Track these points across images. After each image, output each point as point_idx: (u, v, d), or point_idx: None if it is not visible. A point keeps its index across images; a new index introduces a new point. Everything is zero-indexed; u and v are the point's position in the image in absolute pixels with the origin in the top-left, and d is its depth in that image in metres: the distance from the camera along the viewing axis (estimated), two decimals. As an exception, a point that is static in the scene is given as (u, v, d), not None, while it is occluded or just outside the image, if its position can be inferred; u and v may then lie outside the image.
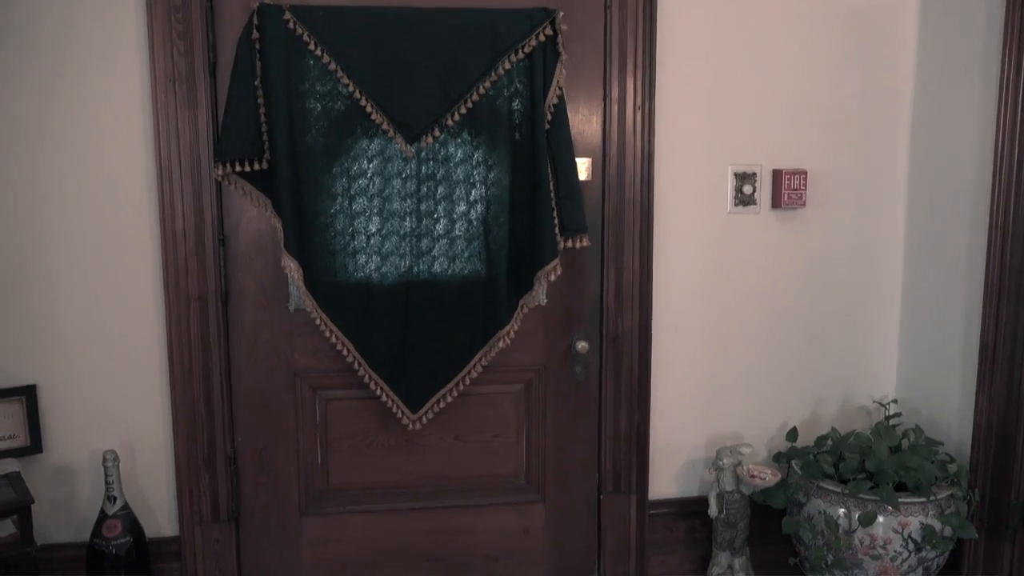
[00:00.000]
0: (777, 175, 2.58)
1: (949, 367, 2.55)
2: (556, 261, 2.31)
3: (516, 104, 2.30)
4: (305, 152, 2.23)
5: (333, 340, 2.32)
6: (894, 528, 2.30)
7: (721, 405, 2.68)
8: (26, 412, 2.29)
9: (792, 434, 2.62)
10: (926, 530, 2.29)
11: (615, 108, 2.44)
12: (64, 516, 2.39)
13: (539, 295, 2.39)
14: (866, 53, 2.60)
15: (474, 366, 2.38)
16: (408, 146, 2.27)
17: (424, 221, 2.32)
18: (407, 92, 2.23)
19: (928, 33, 2.58)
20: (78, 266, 2.32)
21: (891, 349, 2.76)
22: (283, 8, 2.18)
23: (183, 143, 2.28)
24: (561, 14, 2.28)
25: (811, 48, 2.57)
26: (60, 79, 2.24)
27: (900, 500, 2.28)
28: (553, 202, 2.31)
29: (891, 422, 2.58)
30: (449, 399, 2.40)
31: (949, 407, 2.56)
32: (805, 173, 2.58)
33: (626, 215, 2.48)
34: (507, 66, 2.26)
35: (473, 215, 2.33)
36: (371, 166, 2.30)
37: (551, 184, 2.30)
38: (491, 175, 2.32)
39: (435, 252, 2.34)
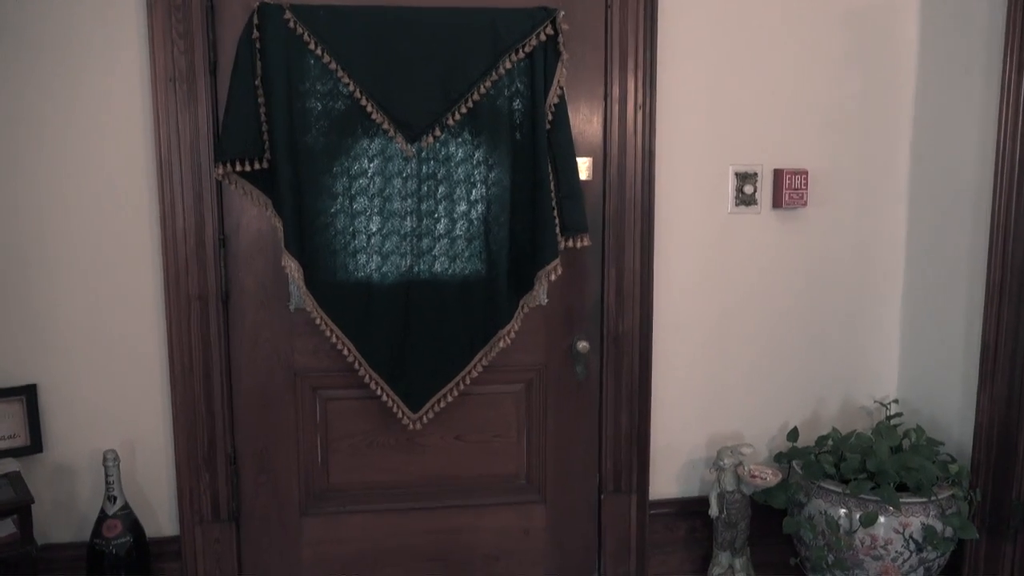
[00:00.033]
0: (778, 175, 2.58)
1: (950, 367, 2.54)
2: (557, 261, 2.31)
3: (517, 104, 2.30)
4: (305, 151, 2.23)
5: (333, 340, 2.32)
6: (895, 528, 2.30)
7: (722, 405, 2.68)
8: (26, 412, 2.29)
9: (793, 434, 2.62)
10: (927, 530, 2.29)
11: (616, 108, 2.44)
12: (64, 516, 2.39)
13: (540, 295, 2.39)
14: (867, 52, 2.60)
15: (475, 366, 2.38)
16: (409, 145, 2.26)
17: (425, 220, 2.32)
18: (408, 91, 2.23)
19: (929, 32, 2.58)
20: (78, 266, 2.32)
21: (892, 349, 2.76)
22: (283, 7, 2.18)
23: (183, 142, 2.28)
24: (562, 13, 2.27)
25: (812, 48, 2.57)
26: (60, 79, 2.24)
27: (901, 500, 2.28)
28: (554, 202, 2.30)
29: (892, 422, 2.58)
30: (450, 399, 2.40)
31: (950, 407, 2.55)
32: (806, 173, 2.57)
33: (627, 215, 2.48)
34: (508, 66, 2.26)
35: (474, 215, 2.33)
36: (371, 165, 2.30)
37: (552, 184, 2.30)
38: (492, 174, 2.32)
39: (436, 252, 2.34)
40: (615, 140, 2.45)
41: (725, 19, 2.51)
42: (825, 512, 2.37)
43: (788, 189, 2.56)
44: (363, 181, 2.30)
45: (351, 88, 2.22)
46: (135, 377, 2.38)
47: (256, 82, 2.19)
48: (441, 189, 2.32)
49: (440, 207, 2.33)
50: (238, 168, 2.20)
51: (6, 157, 2.25)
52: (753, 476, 2.47)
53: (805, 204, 2.59)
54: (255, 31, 2.17)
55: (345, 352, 2.33)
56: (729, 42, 2.52)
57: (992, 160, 2.34)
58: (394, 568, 2.57)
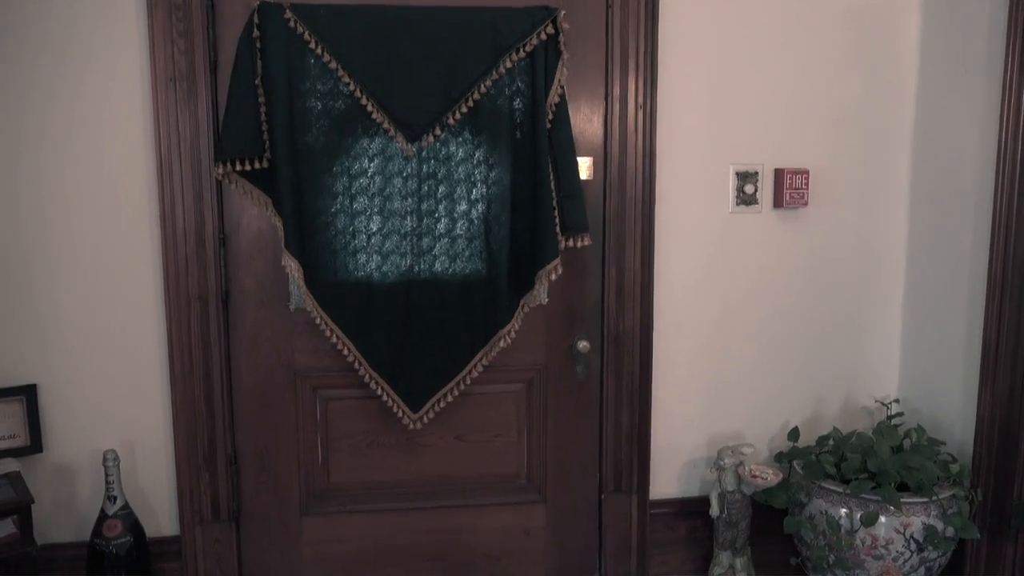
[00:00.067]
0: (779, 174, 2.57)
1: (951, 366, 2.54)
2: (557, 260, 2.30)
3: (517, 103, 2.29)
4: (306, 151, 2.23)
5: (334, 339, 2.32)
6: (896, 528, 2.29)
7: (723, 405, 2.68)
8: (26, 412, 2.29)
9: (794, 434, 2.62)
10: (928, 530, 2.29)
11: (616, 107, 2.44)
12: (64, 516, 2.39)
13: (540, 294, 2.39)
14: (868, 51, 2.59)
15: (475, 365, 2.38)
16: (409, 145, 2.26)
17: (425, 220, 2.32)
18: (408, 91, 2.23)
19: (930, 31, 2.58)
20: (78, 266, 2.31)
21: (893, 348, 2.75)
22: (284, 7, 2.18)
23: (183, 142, 2.27)
24: (563, 13, 2.27)
25: (813, 47, 2.56)
26: (61, 79, 2.24)
27: (902, 500, 2.28)
28: (554, 201, 2.30)
29: (893, 422, 2.58)
30: (450, 398, 2.40)
31: (951, 407, 2.55)
32: (807, 172, 2.57)
33: (627, 214, 2.48)
34: (508, 65, 2.25)
35: (474, 214, 2.33)
36: (372, 165, 2.29)
37: (552, 183, 2.30)
38: (492, 174, 2.31)
39: (436, 251, 2.34)
40: (616, 139, 2.45)
41: (726, 18, 2.50)
42: (826, 512, 2.37)
43: (789, 188, 2.56)
44: (363, 180, 2.29)
45: (351, 87, 2.22)
46: (135, 377, 2.37)
47: (256, 81, 2.19)
48: (441, 188, 2.32)
49: (440, 206, 2.32)
50: (238, 167, 2.20)
51: (6, 157, 2.24)
52: (754, 476, 2.47)
53: (806, 204, 2.59)
54: (255, 30, 2.17)
55: (345, 352, 2.33)
56: (730, 41, 2.52)
57: (993, 159, 2.34)
58: (395, 568, 2.56)
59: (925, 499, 2.30)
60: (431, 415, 2.40)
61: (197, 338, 2.34)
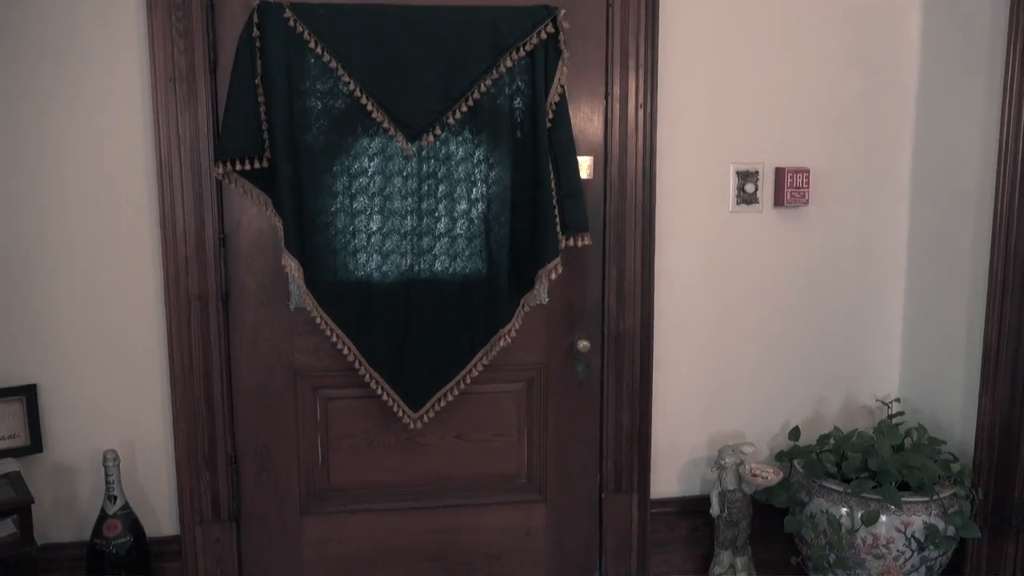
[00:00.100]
0: (779, 173, 2.57)
1: (952, 366, 2.54)
2: (557, 260, 2.30)
3: (517, 102, 2.29)
4: (305, 150, 2.23)
5: (334, 339, 2.32)
6: (897, 527, 2.29)
7: (723, 404, 2.68)
8: (26, 411, 2.29)
9: (794, 433, 2.61)
10: (929, 529, 2.29)
11: (617, 106, 2.44)
12: (64, 516, 2.39)
13: (540, 294, 2.38)
14: (869, 50, 2.59)
15: (475, 365, 2.37)
16: (409, 144, 2.26)
17: (425, 219, 2.32)
18: (408, 90, 2.23)
19: (931, 30, 2.57)
20: (78, 265, 2.31)
21: (894, 348, 2.75)
22: (283, 6, 2.18)
23: (183, 142, 2.27)
24: (563, 12, 2.27)
25: (813, 45, 2.56)
26: (61, 79, 2.24)
27: (903, 499, 2.28)
28: (554, 200, 2.30)
29: (894, 421, 2.57)
30: (450, 398, 2.39)
31: (952, 406, 2.55)
32: (808, 171, 2.57)
33: (628, 214, 2.47)
34: (508, 64, 2.25)
35: (474, 213, 2.33)
36: (372, 164, 2.29)
37: (552, 182, 2.30)
38: (492, 173, 2.31)
39: (436, 251, 2.33)
40: (616, 139, 2.44)
41: (726, 17, 2.50)
42: (827, 511, 2.36)
43: (790, 188, 2.55)
44: (363, 180, 2.29)
45: (351, 87, 2.21)
46: (135, 377, 2.37)
47: (256, 81, 2.18)
48: (441, 188, 2.31)
49: (440, 206, 2.32)
50: (238, 167, 2.20)
51: (7, 157, 2.24)
52: (754, 475, 2.47)
53: (807, 203, 2.59)
54: (255, 30, 2.16)
55: (345, 351, 2.33)
56: (730, 40, 2.51)
57: (994, 159, 2.33)
58: (395, 567, 2.56)
59: (926, 498, 2.29)
60: (431, 414, 2.40)
61: (197, 338, 2.34)
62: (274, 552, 2.51)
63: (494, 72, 2.25)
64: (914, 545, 2.30)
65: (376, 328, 2.33)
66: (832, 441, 2.55)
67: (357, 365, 2.34)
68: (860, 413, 2.75)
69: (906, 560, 2.32)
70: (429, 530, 2.56)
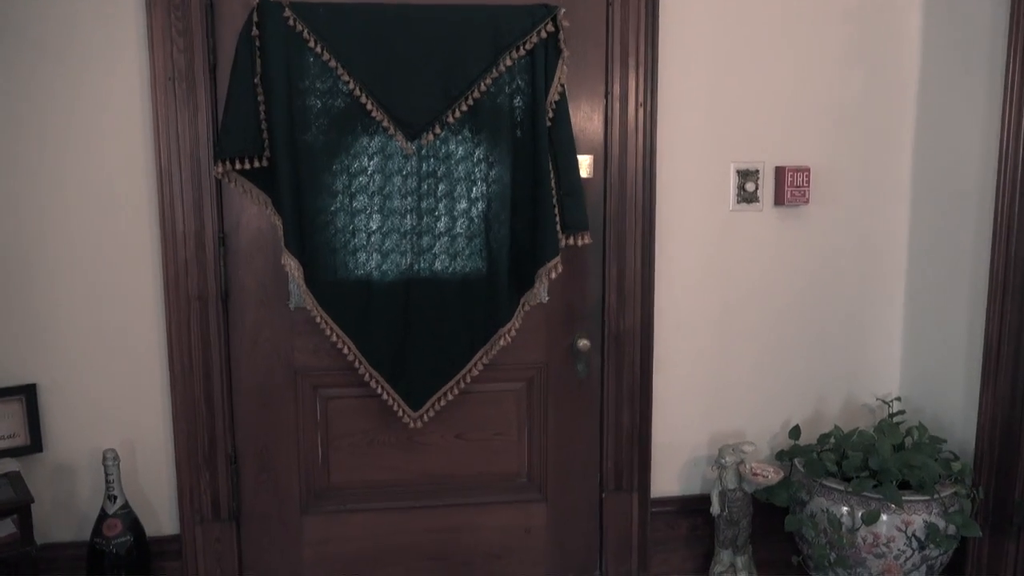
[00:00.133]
0: (780, 172, 2.57)
1: (953, 364, 2.54)
2: (557, 259, 2.30)
3: (517, 101, 2.29)
4: (305, 150, 2.23)
5: (334, 338, 2.31)
6: (897, 526, 2.29)
7: (724, 403, 2.68)
8: (26, 411, 2.28)
9: (795, 432, 2.61)
10: (930, 528, 2.28)
11: (617, 105, 2.43)
12: (64, 515, 2.38)
13: (540, 293, 2.38)
14: (869, 49, 2.59)
15: (475, 364, 2.37)
16: (409, 143, 2.26)
17: (425, 219, 2.31)
18: (408, 89, 2.22)
19: (931, 29, 2.57)
20: (78, 265, 2.31)
21: (895, 346, 2.75)
22: (283, 5, 2.17)
23: (183, 141, 2.27)
24: (563, 10, 2.26)
25: (814, 44, 2.56)
26: (61, 79, 2.24)
27: (904, 498, 2.28)
28: (554, 199, 2.30)
29: (895, 420, 2.57)
30: (450, 397, 2.39)
31: (953, 405, 2.55)
32: (808, 170, 2.56)
33: (628, 213, 2.47)
34: (508, 63, 2.25)
35: (474, 212, 2.33)
36: (371, 163, 2.29)
37: (552, 181, 2.29)
38: (492, 172, 2.31)
39: (436, 250, 2.33)
40: (616, 138, 2.44)
41: (726, 16, 2.50)
42: (827, 510, 2.36)
43: (790, 186, 2.55)
44: (363, 179, 2.29)
45: (351, 86, 2.21)
46: (135, 376, 2.37)
47: (256, 80, 2.18)
48: (441, 187, 2.31)
49: (440, 205, 2.32)
50: (238, 166, 2.20)
51: (6, 157, 2.24)
52: (755, 474, 2.46)
53: (807, 201, 2.58)
54: (255, 29, 2.16)
55: (345, 351, 2.32)
56: (730, 39, 2.51)
57: (995, 158, 2.33)
58: (395, 567, 2.56)
59: (927, 497, 2.29)
60: (431, 414, 2.40)
61: (197, 337, 2.34)
62: (274, 551, 2.50)
63: (494, 71, 2.24)
64: (915, 544, 2.30)
65: (376, 327, 2.32)
66: (833, 440, 2.55)
67: (357, 364, 2.34)
68: (861, 412, 2.75)
69: (907, 559, 2.32)
70: (429, 529, 2.56)
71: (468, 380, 2.39)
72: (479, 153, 2.31)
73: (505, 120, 2.28)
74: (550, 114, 2.28)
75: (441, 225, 2.32)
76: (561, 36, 2.26)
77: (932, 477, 2.30)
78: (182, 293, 2.32)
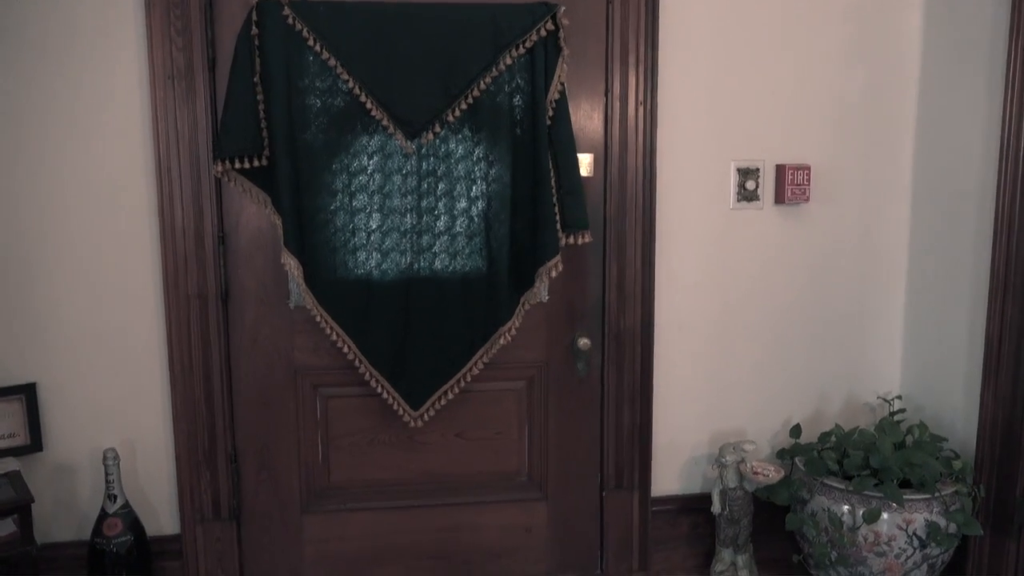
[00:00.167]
0: (780, 170, 2.56)
1: (954, 363, 2.53)
2: (557, 258, 2.30)
3: (517, 100, 2.28)
4: (305, 149, 2.22)
5: (334, 337, 2.31)
6: (898, 525, 2.29)
7: (724, 401, 2.67)
8: (26, 410, 2.28)
9: (796, 430, 2.61)
10: (931, 527, 2.28)
11: (617, 104, 2.43)
12: (65, 515, 2.38)
13: (540, 292, 2.38)
14: (870, 47, 2.58)
15: (475, 363, 2.37)
16: (408, 142, 2.25)
17: (425, 218, 2.31)
18: (407, 88, 2.22)
19: (932, 27, 2.56)
20: (78, 264, 2.31)
21: (895, 345, 2.74)
22: (282, 3, 2.17)
23: (182, 140, 2.26)
24: (563, 9, 2.26)
25: (814, 42, 2.55)
26: (60, 78, 2.23)
27: (904, 497, 2.27)
28: (555, 198, 2.29)
29: (895, 418, 2.57)
30: (450, 396, 2.39)
31: (954, 403, 2.54)
32: (808, 168, 2.56)
33: (628, 211, 2.47)
34: (508, 61, 2.24)
35: (474, 211, 2.32)
36: (371, 162, 2.29)
37: (552, 180, 2.29)
38: (492, 171, 2.31)
39: (436, 249, 2.33)
40: (616, 136, 2.44)
41: (727, 14, 2.49)
42: (828, 509, 2.36)
43: (790, 185, 2.55)
44: (363, 178, 2.29)
45: (350, 85, 2.21)
46: (135, 375, 2.37)
47: (255, 79, 2.18)
48: (441, 186, 2.31)
49: (440, 204, 2.31)
50: (237, 165, 2.19)
51: (6, 156, 2.24)
52: (756, 473, 2.46)
53: (808, 200, 2.58)
54: (254, 27, 2.16)
55: (345, 350, 2.32)
56: (731, 36, 2.50)
57: (996, 156, 2.32)
58: (395, 565, 2.56)
59: (928, 496, 2.29)
60: (432, 413, 2.39)
61: (197, 336, 2.34)
62: (275, 551, 2.50)
63: (494, 69, 2.24)
64: (916, 543, 2.30)
65: (376, 326, 2.32)
66: (833, 439, 2.55)
67: (357, 363, 2.34)
68: (861, 410, 2.75)
69: (908, 558, 2.31)
70: (430, 528, 2.56)
71: (468, 379, 2.39)
72: (479, 152, 2.30)
73: (505, 119, 2.28)
74: (550, 112, 2.27)
75: (441, 224, 2.32)
76: (561, 34, 2.26)
77: (933, 475, 2.29)
78: (182, 292, 2.31)
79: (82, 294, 2.32)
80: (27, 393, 2.28)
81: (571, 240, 2.32)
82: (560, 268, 2.31)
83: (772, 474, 2.46)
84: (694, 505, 2.67)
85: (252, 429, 2.44)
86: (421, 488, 2.55)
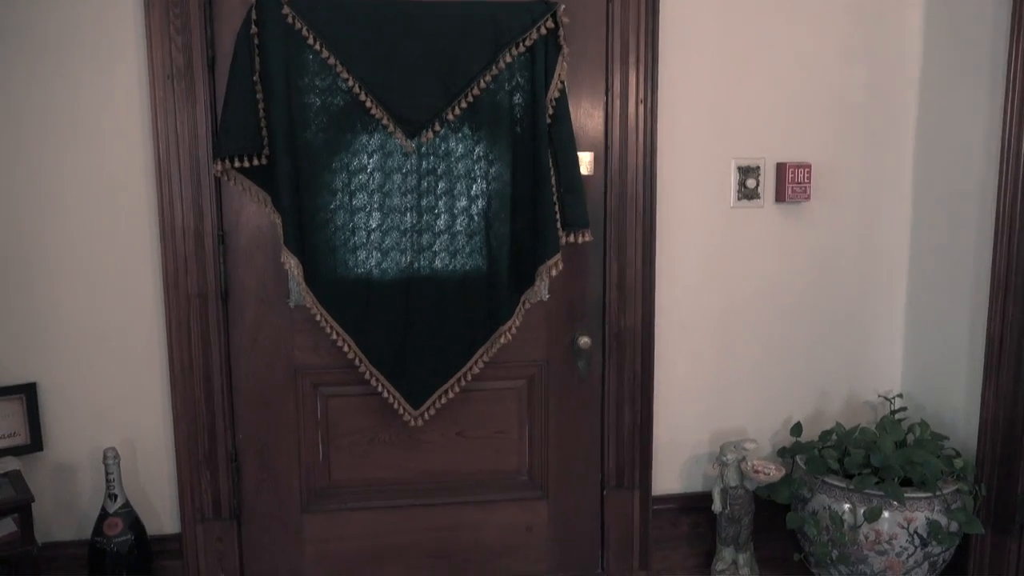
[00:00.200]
0: (781, 168, 2.56)
1: (955, 361, 2.53)
2: (558, 256, 2.29)
3: (517, 98, 2.28)
4: (304, 147, 2.22)
5: (334, 336, 2.31)
6: (900, 523, 2.28)
7: (725, 400, 2.67)
8: (26, 410, 2.28)
9: (796, 429, 2.61)
10: (932, 525, 2.28)
11: (617, 102, 2.43)
12: (65, 514, 2.38)
13: (541, 290, 2.38)
14: (871, 44, 2.58)
15: (476, 362, 2.37)
16: (408, 141, 2.25)
17: (425, 216, 2.31)
18: (407, 86, 2.22)
19: (933, 25, 2.56)
20: (78, 264, 2.31)
21: (896, 343, 2.74)
22: (282, 2, 2.16)
23: (182, 139, 2.26)
24: (562, 7, 2.26)
25: (815, 40, 2.55)
26: (61, 78, 2.23)
27: (906, 495, 2.27)
28: (555, 197, 2.29)
29: (896, 417, 2.57)
30: (451, 395, 2.39)
31: (955, 401, 2.54)
32: (809, 166, 2.56)
33: (628, 210, 2.46)
34: (508, 59, 2.24)
35: (474, 210, 2.32)
36: (371, 161, 2.28)
37: (553, 179, 2.29)
38: (492, 170, 2.30)
39: (436, 248, 2.33)
40: (616, 134, 2.43)
41: (727, 11, 2.49)
42: (829, 507, 2.36)
43: (791, 183, 2.54)
44: (362, 177, 2.28)
45: (350, 83, 2.20)
46: (135, 375, 2.37)
47: (254, 78, 2.17)
48: (441, 185, 2.31)
49: (440, 203, 2.31)
50: (237, 164, 2.19)
51: (6, 156, 2.24)
52: (756, 471, 2.46)
53: (808, 198, 2.57)
54: (253, 26, 2.15)
55: (345, 349, 2.32)
56: (732, 34, 2.50)
57: (997, 154, 2.32)
58: (396, 565, 2.56)
59: (929, 494, 2.29)
60: (432, 412, 2.39)
61: (197, 336, 2.34)
62: (275, 550, 2.50)
63: (494, 68, 2.24)
64: (917, 541, 2.29)
65: (376, 325, 2.32)
66: (834, 437, 2.54)
67: (357, 363, 2.33)
68: (862, 409, 2.75)
69: (909, 556, 2.31)
70: (430, 527, 2.56)
71: (469, 378, 2.39)
72: (479, 150, 2.30)
73: (505, 117, 2.27)
74: (550, 111, 2.27)
75: (441, 223, 2.32)
76: (561, 32, 2.25)
77: (934, 474, 2.29)
78: (182, 291, 2.31)
79: (82, 294, 2.32)
80: (27, 392, 2.28)
81: (571, 239, 2.32)
82: (560, 267, 2.31)
83: (773, 473, 2.46)
84: (695, 504, 2.67)
85: (252, 428, 2.44)
86: (422, 487, 2.54)
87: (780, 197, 2.57)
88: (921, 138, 2.62)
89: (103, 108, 2.26)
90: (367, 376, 2.34)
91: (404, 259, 2.31)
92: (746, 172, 2.56)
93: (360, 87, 2.20)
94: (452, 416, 2.48)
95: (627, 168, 2.45)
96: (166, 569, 2.43)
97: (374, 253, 2.31)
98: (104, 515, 2.26)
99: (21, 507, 2.15)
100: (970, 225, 2.45)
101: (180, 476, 2.39)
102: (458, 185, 2.31)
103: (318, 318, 2.29)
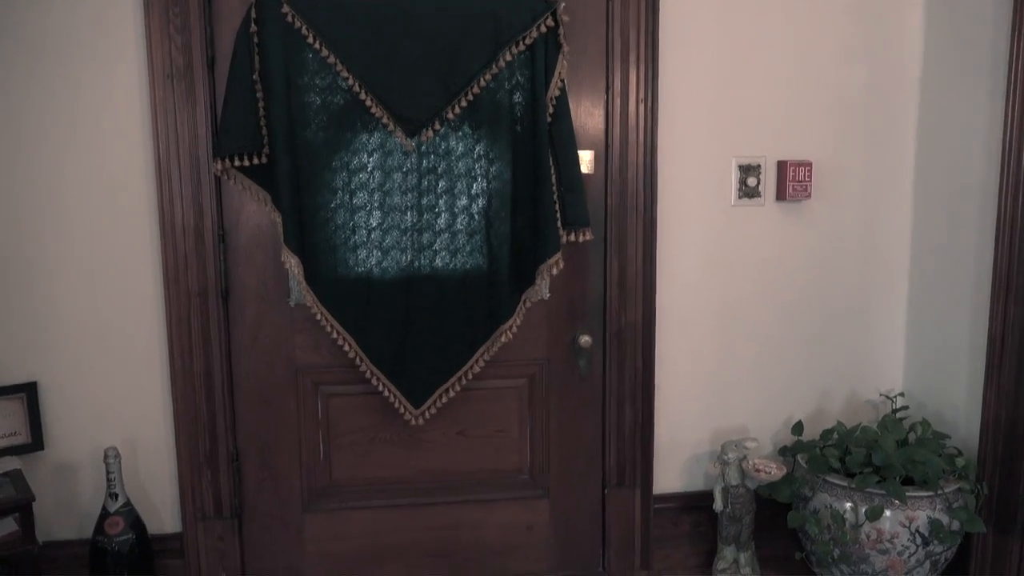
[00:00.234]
0: (782, 167, 2.56)
1: (956, 360, 2.52)
2: (558, 255, 2.29)
3: (517, 97, 2.28)
4: (304, 146, 2.22)
5: (334, 335, 2.31)
6: (901, 522, 2.28)
7: (726, 399, 2.67)
8: (27, 409, 2.28)
9: (798, 428, 2.60)
10: (933, 524, 2.27)
11: (618, 100, 2.42)
12: (66, 513, 2.39)
13: (541, 289, 2.38)
14: (872, 42, 2.57)
15: (476, 361, 2.37)
16: (408, 140, 2.25)
17: (425, 215, 2.31)
18: (407, 85, 2.22)
19: (934, 24, 2.55)
20: (78, 263, 2.31)
21: (898, 342, 2.74)
22: (281, 1, 2.16)
23: (182, 138, 2.26)
24: (563, 5, 2.25)
25: (816, 38, 2.54)
26: (60, 77, 2.23)
27: (907, 494, 2.27)
28: (555, 195, 2.29)
29: (898, 415, 2.56)
30: (452, 394, 2.39)
31: (957, 400, 2.53)
32: (810, 165, 2.55)
33: (629, 208, 2.46)
34: (508, 58, 2.24)
35: (474, 209, 2.32)
36: (371, 160, 2.28)
37: (553, 177, 2.28)
38: (492, 168, 2.30)
39: (436, 246, 2.32)
40: (617, 133, 2.43)
41: (728, 9, 2.48)
42: (830, 506, 2.35)
43: (792, 181, 2.54)
44: (363, 176, 2.28)
45: (350, 82, 2.20)
46: (135, 374, 2.37)
47: (254, 77, 2.17)
48: (441, 183, 2.30)
49: (440, 201, 2.31)
50: (237, 163, 2.19)
51: (6, 156, 2.24)
52: (757, 470, 2.46)
53: (809, 196, 2.57)
54: (253, 25, 2.15)
55: (346, 348, 2.32)
56: (732, 32, 2.50)
57: (998, 153, 2.31)
58: (397, 564, 2.56)
59: (930, 493, 2.28)
60: (433, 411, 2.39)
61: (197, 335, 2.34)
62: (276, 549, 2.50)
63: (493, 67, 2.23)
64: (919, 540, 2.29)
65: (377, 324, 2.32)
66: (836, 436, 2.54)
67: (358, 361, 2.33)
68: (864, 408, 2.74)
69: (911, 555, 2.31)
70: (431, 526, 2.56)
71: (469, 377, 2.38)
72: (479, 149, 2.30)
73: (505, 116, 2.27)
74: (550, 110, 2.27)
75: (441, 222, 2.32)
76: (561, 31, 2.25)
77: (936, 473, 2.28)
78: (182, 290, 2.31)
79: (82, 293, 2.32)
80: (28, 392, 2.28)
81: (572, 237, 2.32)
82: (561, 266, 2.31)
83: (774, 471, 2.45)
84: (696, 503, 2.66)
85: (253, 427, 2.44)
86: (422, 486, 2.54)
87: (781, 195, 2.57)
88: (922, 137, 2.62)
89: (103, 108, 2.26)
90: (368, 375, 2.34)
91: (404, 258, 2.31)
92: (747, 170, 2.55)
93: (360, 86, 2.20)
94: (453, 415, 2.48)
95: (627, 166, 2.44)
96: (167, 568, 2.43)
97: (374, 252, 2.31)
98: (105, 514, 2.26)
99: (22, 506, 2.15)
100: (971, 224, 2.45)
101: (181, 475, 2.39)
102: (458, 184, 2.30)
103: (318, 317, 2.29)
